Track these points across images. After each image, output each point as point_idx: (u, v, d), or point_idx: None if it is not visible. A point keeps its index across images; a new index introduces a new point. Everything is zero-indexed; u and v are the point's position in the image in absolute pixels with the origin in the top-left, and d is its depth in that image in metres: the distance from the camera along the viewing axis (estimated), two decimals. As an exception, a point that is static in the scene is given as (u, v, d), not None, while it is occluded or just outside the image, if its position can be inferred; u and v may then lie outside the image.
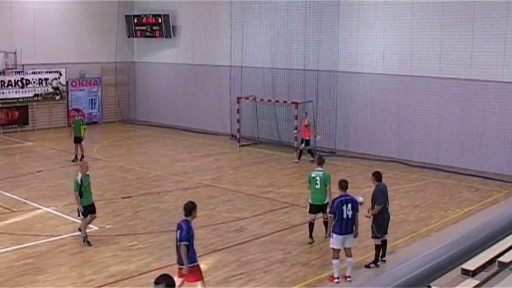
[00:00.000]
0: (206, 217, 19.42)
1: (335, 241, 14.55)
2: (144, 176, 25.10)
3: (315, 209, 17.06)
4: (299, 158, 27.81)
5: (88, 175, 17.29)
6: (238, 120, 31.79)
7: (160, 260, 15.75)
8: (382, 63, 28.23)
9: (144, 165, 26.91)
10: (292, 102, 29.87)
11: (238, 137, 31.94)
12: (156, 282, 7.78)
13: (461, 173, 25.33)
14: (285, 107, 30.94)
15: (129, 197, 21.75)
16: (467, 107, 25.71)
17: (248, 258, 15.86)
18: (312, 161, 27.23)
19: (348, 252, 14.68)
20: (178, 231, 12.41)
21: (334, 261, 14.50)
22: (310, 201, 17.17)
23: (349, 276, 14.58)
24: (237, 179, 24.96)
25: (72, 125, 28.47)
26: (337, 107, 29.72)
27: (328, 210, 15.89)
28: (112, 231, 17.96)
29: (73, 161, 26.94)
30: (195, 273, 12.58)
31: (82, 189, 16.82)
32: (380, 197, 15.31)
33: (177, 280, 12.12)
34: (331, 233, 14.66)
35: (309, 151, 27.81)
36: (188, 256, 12.34)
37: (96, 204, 17.56)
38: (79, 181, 16.83)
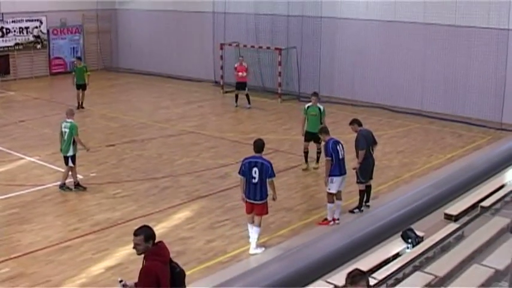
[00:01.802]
0: (190, 164, 19.49)
1: (335, 185, 14.68)
2: (127, 123, 25.02)
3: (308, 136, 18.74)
4: (236, 101, 28.36)
5: None
6: (222, 67, 31.62)
7: (144, 207, 15.84)
8: (366, 9, 27.98)
9: (127, 113, 26.79)
10: (276, 49, 29.72)
11: (221, 83, 31.81)
12: (135, 234, 7.81)
13: (445, 118, 25.40)
14: (269, 53, 30.79)
15: (113, 145, 21.71)
16: (452, 53, 25.63)
17: (232, 205, 15.94)
18: (249, 108, 27.58)
19: (339, 196, 14.84)
20: (256, 169, 13.11)
21: (331, 205, 14.67)
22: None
23: (338, 219, 14.73)
24: (220, 125, 24.96)
25: (74, 72, 28.19)
26: (321, 53, 29.56)
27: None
28: (96, 180, 17.97)
29: (78, 108, 26.77)
30: (266, 207, 13.46)
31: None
32: (363, 142, 15.33)
33: (249, 215, 13.48)
34: (331, 178, 14.65)
35: (247, 96, 28.20)
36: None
37: (79, 152, 17.53)
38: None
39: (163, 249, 7.86)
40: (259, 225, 13.43)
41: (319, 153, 18.68)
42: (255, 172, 13.10)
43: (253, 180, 13.12)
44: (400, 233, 10.83)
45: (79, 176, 17.53)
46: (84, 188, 17.10)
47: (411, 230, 11.15)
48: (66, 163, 17.05)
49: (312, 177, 18.25)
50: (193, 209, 15.78)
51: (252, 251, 13.39)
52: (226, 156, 20.36)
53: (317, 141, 18.45)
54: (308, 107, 19.01)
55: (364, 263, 8.66)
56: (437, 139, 22.71)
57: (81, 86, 27.46)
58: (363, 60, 28.45)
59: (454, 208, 12.12)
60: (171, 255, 8.06)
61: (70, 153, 16.92)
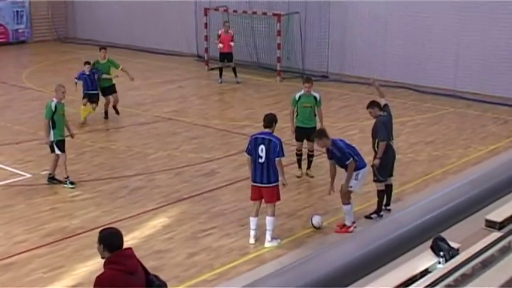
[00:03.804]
0: (168, 158, 19.51)
1: (360, 182, 14.84)
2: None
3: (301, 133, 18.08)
4: (220, 76, 29.13)
5: (63, 104, 17.66)
6: (207, 37, 31.61)
7: (110, 213, 15.81)
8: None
9: (88, 96, 26.71)
10: (274, 15, 29.68)
11: (206, 58, 31.81)
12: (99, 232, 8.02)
13: (486, 101, 25.44)
14: (265, 20, 30.76)
15: (70, 135, 21.66)
16: (492, 25, 25.62)
17: (220, 209, 15.97)
18: (238, 82, 28.53)
19: None
20: (263, 147, 13.70)
21: (348, 207, 14.78)
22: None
23: (354, 222, 14.84)
24: (205, 110, 24.97)
25: (95, 69, 24.06)
26: (330, 21, 29.57)
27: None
28: (49, 179, 17.96)
29: (105, 117, 24.48)
30: (277, 192, 14.12)
31: (55, 118, 17.19)
32: (383, 131, 15.22)
33: (255, 203, 14.20)
34: (356, 173, 14.65)
35: (234, 69, 28.99)
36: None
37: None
38: (53, 107, 17.15)
39: (124, 257, 7.86)
40: (272, 215, 14.03)
41: (311, 156, 18.28)
42: (262, 150, 13.70)
43: (260, 160, 13.74)
44: (430, 243, 10.86)
45: (26, 175, 17.59)
46: (60, 182, 17.36)
47: (443, 240, 11.17)
48: (52, 150, 17.34)
49: (319, 174, 18.21)
50: (172, 215, 15.78)
51: (267, 244, 14.05)
52: (212, 149, 20.38)
53: (312, 139, 17.50)
54: (300, 96, 18.01)
55: (384, 281, 8.68)
56: (476, 127, 22.76)
57: (109, 90, 23.89)
58: (382, 30, 28.45)
59: (498, 213, 12.11)
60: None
61: (51, 138, 17.10)
